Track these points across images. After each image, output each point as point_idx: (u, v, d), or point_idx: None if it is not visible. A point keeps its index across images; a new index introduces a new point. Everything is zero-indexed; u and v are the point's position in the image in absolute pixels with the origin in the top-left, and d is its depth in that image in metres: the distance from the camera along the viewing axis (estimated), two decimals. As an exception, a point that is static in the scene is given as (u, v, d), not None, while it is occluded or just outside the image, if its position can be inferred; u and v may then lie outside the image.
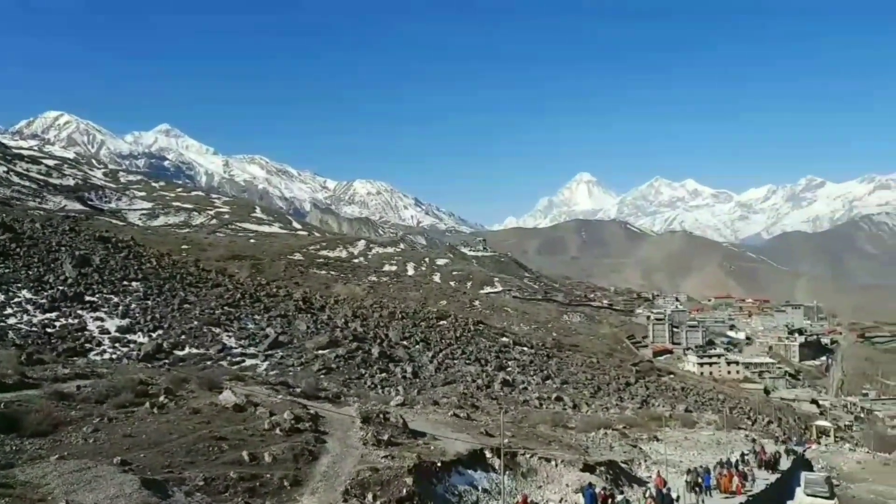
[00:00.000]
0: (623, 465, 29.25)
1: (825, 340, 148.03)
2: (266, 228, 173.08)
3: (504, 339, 72.42)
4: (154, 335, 40.42)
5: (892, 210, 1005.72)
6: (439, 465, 19.09)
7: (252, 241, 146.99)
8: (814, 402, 78.97)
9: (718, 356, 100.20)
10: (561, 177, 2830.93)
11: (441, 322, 71.62)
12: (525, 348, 70.98)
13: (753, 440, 53.07)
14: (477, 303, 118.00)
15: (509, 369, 59.74)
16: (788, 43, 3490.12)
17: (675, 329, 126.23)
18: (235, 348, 42.81)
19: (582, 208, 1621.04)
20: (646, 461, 34.23)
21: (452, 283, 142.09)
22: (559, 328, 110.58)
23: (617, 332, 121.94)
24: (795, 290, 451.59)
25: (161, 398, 19.38)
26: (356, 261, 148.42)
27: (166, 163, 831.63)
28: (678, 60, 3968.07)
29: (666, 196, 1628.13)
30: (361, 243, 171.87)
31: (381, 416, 22.85)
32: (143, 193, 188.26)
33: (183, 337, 41.35)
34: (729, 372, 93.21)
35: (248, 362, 41.01)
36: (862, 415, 77.31)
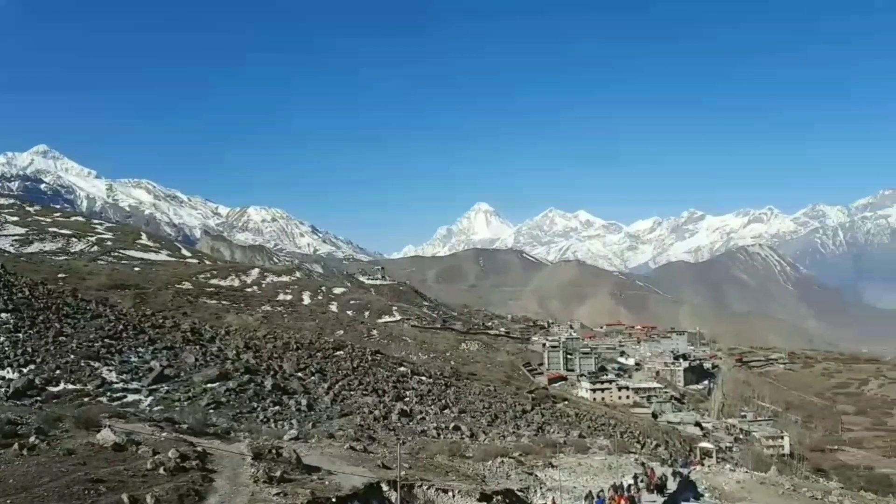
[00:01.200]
0: (519, 494, 29.31)
1: (707, 365, 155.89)
2: (153, 256, 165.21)
3: (402, 368, 71.83)
4: (25, 370, 37.37)
5: (765, 242, 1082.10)
6: (334, 500, 18.38)
7: (137, 269, 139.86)
8: (697, 424, 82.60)
9: (610, 382, 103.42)
10: (459, 206, 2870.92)
11: (338, 352, 70.25)
12: (423, 378, 70.63)
13: (643, 463, 54.64)
14: (375, 332, 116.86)
15: (407, 399, 59.16)
16: (665, 85, 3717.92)
17: (569, 356, 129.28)
18: (116, 383, 40.20)
19: (480, 237, 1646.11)
20: (541, 488, 34.51)
21: (350, 313, 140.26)
22: (457, 357, 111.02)
23: (514, 359, 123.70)
24: (680, 316, 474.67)
25: (32, 439, 17.74)
26: (249, 290, 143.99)
27: (43, 186, 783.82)
28: (565, 103, 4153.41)
29: (560, 226, 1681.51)
30: (255, 272, 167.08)
31: (274, 451, 21.90)
32: (15, 218, 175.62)
33: (58, 372, 38.43)
34: (620, 397, 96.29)
35: (131, 398, 38.56)
36: (741, 436, 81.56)
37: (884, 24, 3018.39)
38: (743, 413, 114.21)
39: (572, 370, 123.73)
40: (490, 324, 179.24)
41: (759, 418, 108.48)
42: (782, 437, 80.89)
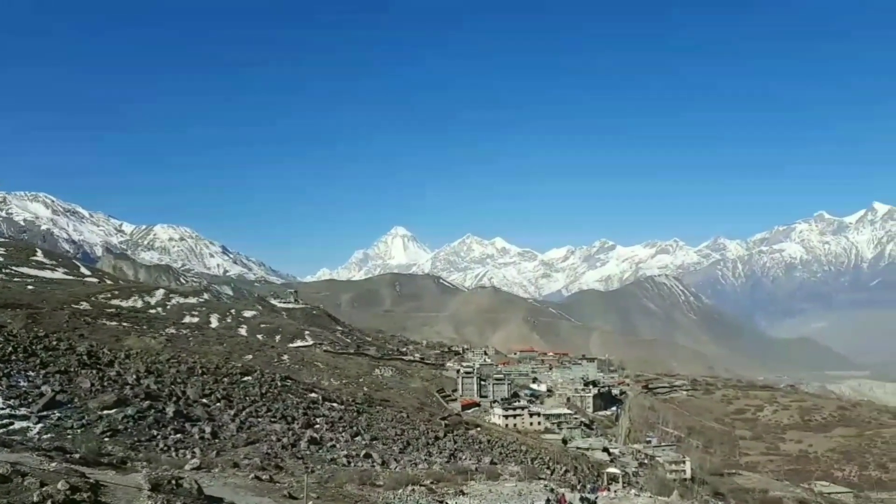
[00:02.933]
0: (430, 523, 28.88)
1: (615, 391, 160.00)
2: (48, 274, 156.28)
3: (313, 394, 70.18)
4: None
5: (670, 273, 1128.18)
6: (235, 535, 17.51)
7: (30, 287, 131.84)
8: (605, 450, 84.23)
9: (522, 408, 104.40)
10: (376, 230, 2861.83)
11: (246, 377, 67.98)
12: (335, 404, 69.20)
13: (552, 489, 55.18)
14: (286, 357, 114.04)
15: (317, 426, 57.68)
16: (577, 118, 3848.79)
17: (482, 382, 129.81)
18: (2, 409, 37.38)
19: (397, 262, 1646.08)
20: (452, 516, 34.16)
21: (260, 337, 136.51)
22: (371, 382, 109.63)
23: (428, 385, 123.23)
24: (591, 343, 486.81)
25: None
26: (153, 311, 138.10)
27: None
28: (484, 133, 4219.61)
29: (477, 253, 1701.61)
30: (160, 292, 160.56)
31: (174, 481, 20.69)
32: None
33: (-67, 398, 35.41)
34: (531, 423, 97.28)
35: (18, 425, 35.86)
36: (646, 461, 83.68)
37: (778, 71, 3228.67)
38: (648, 438, 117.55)
39: (486, 396, 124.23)
40: (405, 349, 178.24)
41: (663, 443, 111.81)
42: (684, 462, 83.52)
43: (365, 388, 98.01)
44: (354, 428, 62.61)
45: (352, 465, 48.64)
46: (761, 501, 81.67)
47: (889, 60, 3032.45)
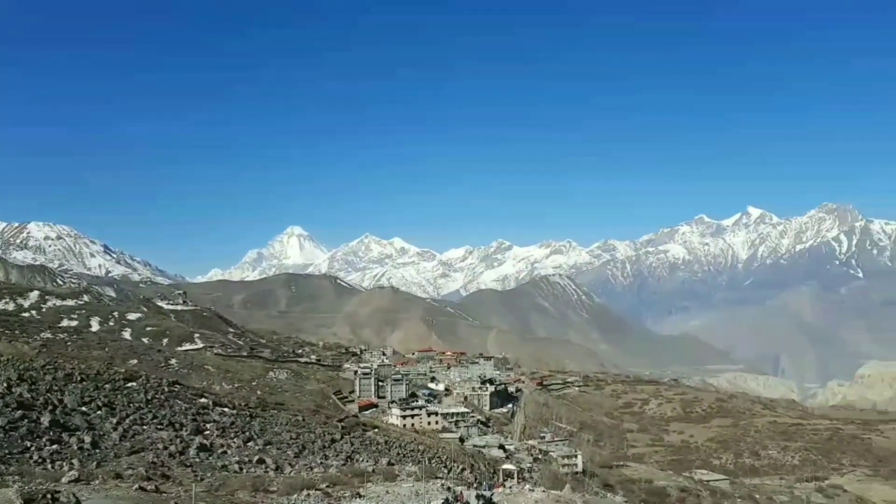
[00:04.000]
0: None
1: (511, 389, 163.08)
2: None
3: (203, 399, 67.53)
4: None
5: (564, 272, 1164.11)
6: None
7: None
8: (501, 447, 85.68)
9: (420, 408, 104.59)
10: (271, 229, 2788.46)
11: (130, 383, 64.54)
12: (226, 409, 66.85)
13: (449, 488, 55.50)
14: (174, 361, 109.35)
15: (207, 432, 55.54)
16: (473, 123, 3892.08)
17: (380, 383, 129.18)
18: None
19: (293, 262, 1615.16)
20: (348, 520, 33.73)
21: (146, 340, 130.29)
22: (264, 386, 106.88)
23: (324, 388, 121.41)
24: (488, 342, 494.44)
25: None
26: (26, 315, 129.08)
27: None
28: (383, 128, 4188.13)
29: (375, 253, 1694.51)
30: (34, 294, 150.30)
31: (49, 495, 19.34)
32: None
33: None
34: (429, 423, 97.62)
35: None
36: (540, 456, 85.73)
37: (666, 84, 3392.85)
38: (542, 434, 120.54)
39: (383, 397, 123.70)
40: (300, 351, 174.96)
41: (556, 439, 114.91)
42: (576, 456, 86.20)
43: (258, 392, 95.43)
44: (247, 433, 60.67)
45: (244, 471, 47.12)
46: (646, 491, 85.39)
47: (758, 72, 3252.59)
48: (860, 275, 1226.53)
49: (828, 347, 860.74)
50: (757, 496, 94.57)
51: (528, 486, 62.97)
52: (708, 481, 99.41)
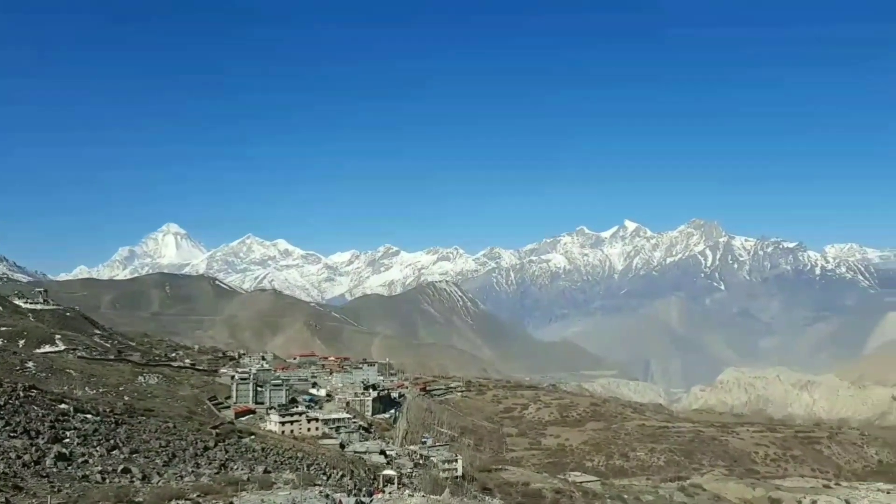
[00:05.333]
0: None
1: (395, 394, 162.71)
2: None
3: (63, 405, 62.93)
4: None
5: (450, 279, 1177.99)
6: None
7: None
8: (382, 452, 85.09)
9: (300, 414, 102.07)
10: (146, 226, 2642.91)
11: (-21, 388, 59.21)
12: (89, 415, 62.61)
13: (327, 495, 54.53)
14: (31, 364, 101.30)
15: (67, 440, 51.79)
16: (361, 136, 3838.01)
17: (259, 388, 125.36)
18: None
19: (168, 261, 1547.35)
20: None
21: (0, 342, 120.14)
22: (133, 391, 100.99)
23: (198, 393, 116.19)
24: (372, 347, 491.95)
25: None
26: None
27: None
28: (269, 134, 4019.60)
29: (258, 254, 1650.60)
30: None
31: None
32: None
33: None
34: (309, 429, 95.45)
35: None
36: (421, 461, 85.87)
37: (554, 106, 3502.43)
38: (424, 439, 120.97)
39: (262, 403, 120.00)
40: (174, 355, 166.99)
41: (438, 443, 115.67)
42: (456, 461, 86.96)
43: (126, 398, 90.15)
44: (112, 441, 57.16)
45: (107, 481, 44.29)
46: (523, 493, 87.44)
47: (627, 91, 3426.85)
48: (722, 287, 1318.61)
49: (692, 354, 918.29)
50: (625, 496, 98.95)
51: (407, 492, 62.90)
52: (581, 482, 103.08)
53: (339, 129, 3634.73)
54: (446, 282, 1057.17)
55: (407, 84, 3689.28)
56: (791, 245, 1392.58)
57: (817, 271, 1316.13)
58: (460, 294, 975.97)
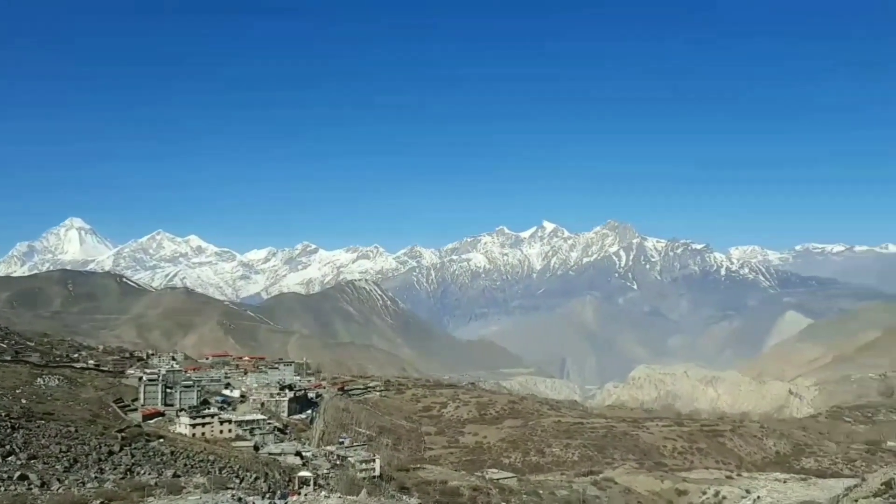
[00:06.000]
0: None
1: (311, 395, 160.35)
2: None
3: (-49, 410, 58.89)
4: None
5: (370, 277, 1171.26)
6: None
7: None
8: (298, 453, 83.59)
9: (212, 416, 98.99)
10: (46, 220, 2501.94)
11: None
12: (-19, 420, 58.86)
13: (240, 499, 53.17)
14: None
15: (-45, 448, 48.54)
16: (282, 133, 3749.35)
17: (168, 390, 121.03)
18: None
19: (71, 257, 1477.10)
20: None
21: None
22: (31, 394, 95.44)
23: (103, 395, 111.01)
24: (289, 347, 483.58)
25: None
26: None
27: None
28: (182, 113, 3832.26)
29: (168, 251, 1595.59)
30: None
31: None
32: None
33: None
34: (221, 431, 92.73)
35: None
36: (338, 462, 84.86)
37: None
38: (341, 439, 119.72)
39: (172, 405, 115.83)
40: (77, 355, 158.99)
41: (355, 444, 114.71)
42: (374, 460, 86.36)
43: (24, 401, 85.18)
44: (7, 446, 54.31)
45: (2, 489, 42.04)
46: (440, 492, 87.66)
47: (545, 92, 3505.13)
48: (635, 287, 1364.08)
49: (606, 352, 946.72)
50: (541, 491, 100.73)
51: (324, 493, 62.08)
52: (498, 479, 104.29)
53: (253, 124, 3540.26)
54: (366, 280, 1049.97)
55: (321, 78, 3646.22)
56: (699, 247, 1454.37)
57: (722, 272, 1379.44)
58: (380, 293, 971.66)
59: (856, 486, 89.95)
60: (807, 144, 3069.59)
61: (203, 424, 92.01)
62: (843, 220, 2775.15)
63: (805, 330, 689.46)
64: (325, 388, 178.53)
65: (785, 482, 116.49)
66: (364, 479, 77.32)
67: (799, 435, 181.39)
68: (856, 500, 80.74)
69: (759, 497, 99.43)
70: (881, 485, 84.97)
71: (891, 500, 76.59)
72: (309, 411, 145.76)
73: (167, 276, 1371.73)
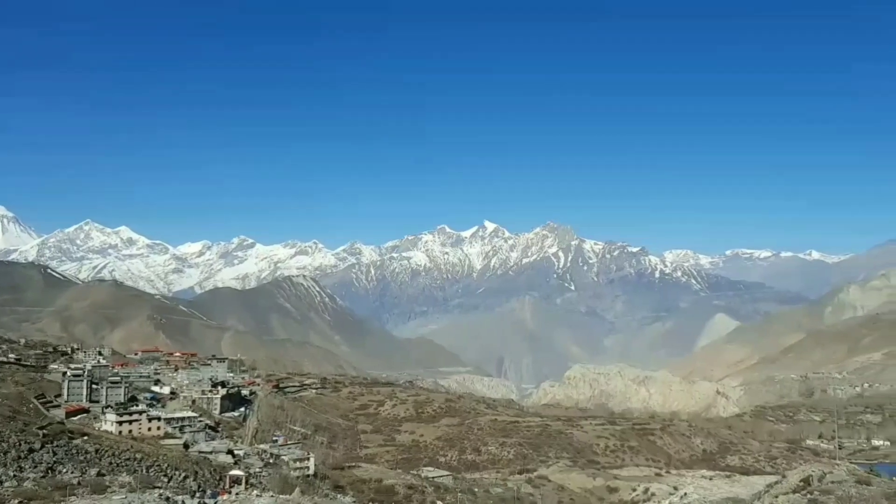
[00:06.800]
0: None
1: (245, 392, 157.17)
2: None
3: None
4: None
5: (308, 274, 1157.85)
6: None
7: None
8: (230, 452, 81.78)
9: (140, 413, 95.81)
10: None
11: None
12: None
13: (167, 498, 51.80)
14: None
15: None
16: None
17: (95, 386, 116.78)
18: None
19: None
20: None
21: None
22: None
23: (24, 391, 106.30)
24: (223, 343, 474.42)
25: None
26: None
27: None
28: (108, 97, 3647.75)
29: (97, 242, 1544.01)
30: None
31: None
32: None
33: None
34: (150, 429, 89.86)
35: None
36: (272, 460, 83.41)
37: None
38: (275, 438, 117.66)
39: (97, 401, 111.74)
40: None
41: (289, 442, 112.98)
42: (308, 459, 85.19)
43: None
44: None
45: None
46: (375, 490, 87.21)
47: (488, 94, 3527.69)
48: (572, 287, 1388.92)
49: (543, 351, 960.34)
50: (476, 489, 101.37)
51: (255, 492, 60.99)
52: (433, 478, 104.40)
53: (189, 109, 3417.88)
54: (304, 277, 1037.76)
55: (271, 66, 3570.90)
56: (635, 250, 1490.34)
57: (657, 275, 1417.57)
58: (318, 290, 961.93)
59: (777, 482, 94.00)
60: (738, 155, 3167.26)
61: (130, 422, 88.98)
62: (770, 228, 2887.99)
63: (732, 332, 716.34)
64: (259, 385, 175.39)
65: (711, 479, 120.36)
66: (298, 477, 76.27)
67: (725, 434, 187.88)
68: (776, 497, 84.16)
69: (685, 494, 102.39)
70: (800, 481, 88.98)
71: (808, 495, 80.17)
72: (242, 409, 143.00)
73: (95, 268, 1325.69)
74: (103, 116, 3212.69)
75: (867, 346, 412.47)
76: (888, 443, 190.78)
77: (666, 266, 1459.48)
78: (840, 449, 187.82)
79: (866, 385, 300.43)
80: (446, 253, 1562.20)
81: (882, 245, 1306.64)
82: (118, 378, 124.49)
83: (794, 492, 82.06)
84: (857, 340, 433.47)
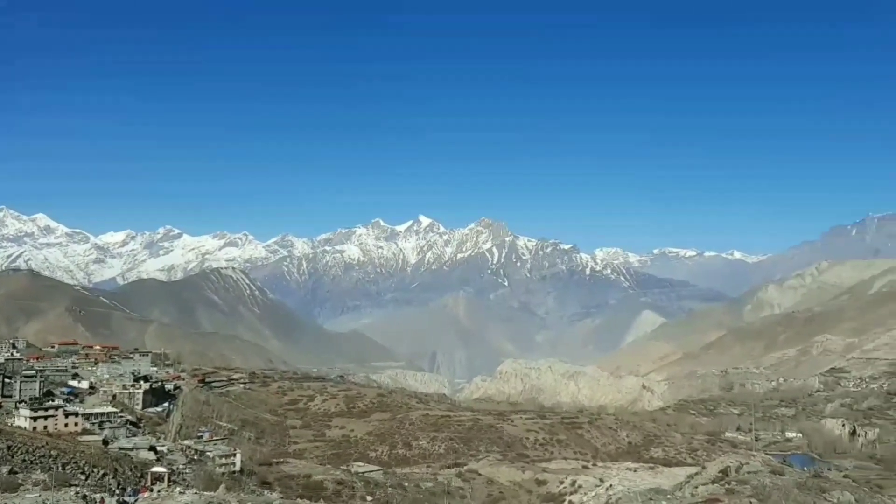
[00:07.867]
0: None
1: (169, 387, 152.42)
2: None
3: None
4: None
5: (238, 266, 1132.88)
6: None
7: None
8: (152, 448, 79.21)
9: (56, 408, 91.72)
10: None
11: None
12: None
13: (85, 496, 50.05)
14: None
15: None
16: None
17: (7, 380, 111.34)
18: None
19: None
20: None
21: None
22: None
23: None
24: (146, 336, 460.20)
25: None
26: None
27: None
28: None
29: (12, 229, 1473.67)
30: None
31: None
32: None
33: None
34: (66, 425, 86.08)
35: None
36: (196, 457, 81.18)
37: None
38: (200, 433, 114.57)
39: (10, 396, 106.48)
40: None
41: (215, 438, 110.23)
42: (235, 455, 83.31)
43: None
44: None
45: None
46: (304, 486, 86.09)
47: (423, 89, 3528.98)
48: (506, 283, 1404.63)
49: (476, 346, 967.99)
50: (406, 484, 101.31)
51: (178, 489, 59.29)
52: (363, 473, 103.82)
53: (112, 94, 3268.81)
54: (233, 269, 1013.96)
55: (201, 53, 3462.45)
56: (567, 247, 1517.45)
57: (587, 272, 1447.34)
58: (248, 282, 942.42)
59: (697, 473, 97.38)
60: (667, 159, 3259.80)
61: (46, 417, 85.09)
62: (695, 228, 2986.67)
63: (658, 329, 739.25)
64: (184, 379, 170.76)
65: (635, 471, 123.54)
66: (223, 473, 74.59)
67: (649, 427, 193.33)
68: (696, 487, 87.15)
69: (611, 486, 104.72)
70: (718, 472, 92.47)
71: (726, 485, 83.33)
72: (166, 404, 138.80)
73: (9, 256, 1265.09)
74: (18, 94, 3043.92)
75: (783, 342, 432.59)
76: (800, 435, 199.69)
77: (597, 264, 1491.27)
78: (756, 441, 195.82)
79: (781, 380, 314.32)
80: (380, 247, 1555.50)
81: (798, 246, 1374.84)
82: (33, 372, 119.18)
83: (713, 482, 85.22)
84: (774, 337, 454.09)
